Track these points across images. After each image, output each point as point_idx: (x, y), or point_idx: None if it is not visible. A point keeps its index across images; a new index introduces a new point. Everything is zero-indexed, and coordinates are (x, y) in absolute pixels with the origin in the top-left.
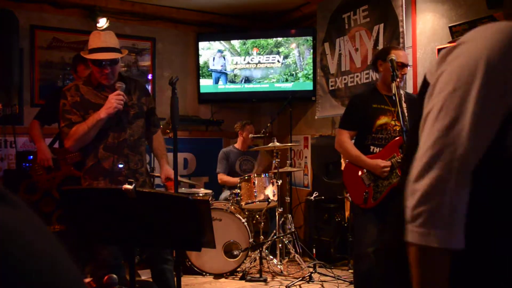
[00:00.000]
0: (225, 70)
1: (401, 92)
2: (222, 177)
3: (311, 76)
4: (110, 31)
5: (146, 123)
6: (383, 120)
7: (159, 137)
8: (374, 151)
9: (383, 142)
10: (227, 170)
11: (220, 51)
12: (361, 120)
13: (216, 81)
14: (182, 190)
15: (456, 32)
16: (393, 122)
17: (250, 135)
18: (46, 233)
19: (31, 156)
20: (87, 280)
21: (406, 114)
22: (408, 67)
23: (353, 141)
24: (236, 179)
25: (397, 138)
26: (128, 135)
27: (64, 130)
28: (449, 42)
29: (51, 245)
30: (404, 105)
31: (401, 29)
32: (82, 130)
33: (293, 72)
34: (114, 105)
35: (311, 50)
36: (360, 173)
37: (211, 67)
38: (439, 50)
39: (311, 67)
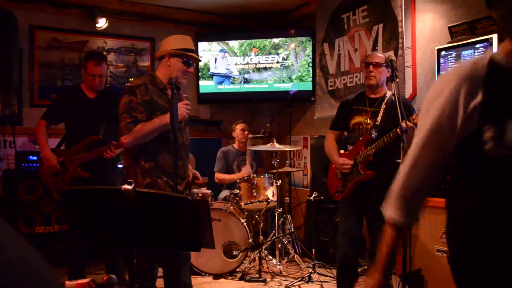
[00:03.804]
0: (230, 73)
1: (387, 94)
2: (218, 176)
3: (304, 78)
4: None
5: None
6: (356, 119)
7: None
8: (349, 149)
9: (355, 141)
10: (224, 170)
11: (223, 50)
12: (343, 121)
13: (219, 84)
14: None
15: (455, 32)
16: (366, 121)
17: (245, 132)
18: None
19: (30, 157)
20: (86, 280)
21: (380, 115)
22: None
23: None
24: (232, 176)
25: (364, 136)
26: (184, 139)
27: (128, 126)
28: (449, 43)
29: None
30: (383, 106)
31: (400, 29)
32: (147, 130)
33: (289, 74)
34: (184, 114)
35: (306, 52)
36: (336, 169)
37: (213, 70)
38: (438, 50)
39: (305, 69)
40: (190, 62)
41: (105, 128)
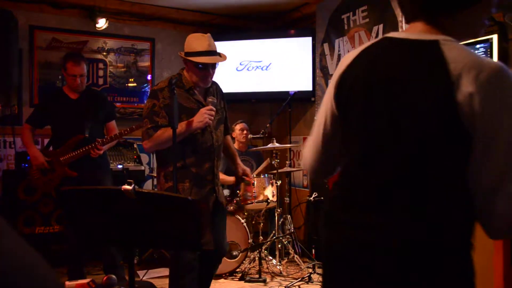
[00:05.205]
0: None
1: None
2: (220, 176)
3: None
4: (209, 34)
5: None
6: None
7: (230, 138)
8: None
9: None
10: (224, 168)
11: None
12: None
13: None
14: None
15: None
16: None
17: (245, 132)
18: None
19: (29, 157)
20: (86, 280)
21: None
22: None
23: None
24: (232, 178)
25: None
26: (214, 141)
27: (149, 132)
28: None
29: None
30: None
31: (400, 30)
32: (167, 136)
33: (289, 74)
34: (205, 121)
35: (305, 52)
36: None
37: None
38: None
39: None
40: (210, 67)
41: (90, 127)
